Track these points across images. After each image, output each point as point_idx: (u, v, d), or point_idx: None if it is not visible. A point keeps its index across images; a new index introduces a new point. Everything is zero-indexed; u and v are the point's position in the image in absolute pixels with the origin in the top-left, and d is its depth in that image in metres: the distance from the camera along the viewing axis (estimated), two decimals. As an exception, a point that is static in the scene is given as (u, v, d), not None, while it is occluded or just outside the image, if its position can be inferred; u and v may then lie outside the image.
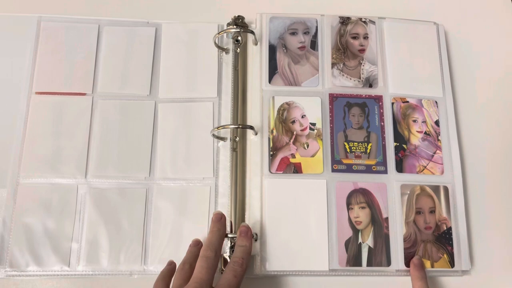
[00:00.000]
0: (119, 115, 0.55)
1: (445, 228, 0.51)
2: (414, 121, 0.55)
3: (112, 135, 0.54)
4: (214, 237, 0.47)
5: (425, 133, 0.54)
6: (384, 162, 0.53)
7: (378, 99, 0.55)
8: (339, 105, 0.55)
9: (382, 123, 0.54)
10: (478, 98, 0.59)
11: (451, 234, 0.51)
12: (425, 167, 0.53)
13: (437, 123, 0.55)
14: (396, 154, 0.54)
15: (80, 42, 0.57)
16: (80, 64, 0.56)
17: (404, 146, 0.54)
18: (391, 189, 0.52)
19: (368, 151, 0.53)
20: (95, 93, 0.55)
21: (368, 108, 0.55)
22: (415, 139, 0.54)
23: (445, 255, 0.51)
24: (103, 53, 0.57)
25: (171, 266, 0.48)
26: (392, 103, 0.55)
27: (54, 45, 0.57)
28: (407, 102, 0.55)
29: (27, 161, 0.52)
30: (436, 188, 0.53)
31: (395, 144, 0.54)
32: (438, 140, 0.54)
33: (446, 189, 0.53)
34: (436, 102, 0.56)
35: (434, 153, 0.54)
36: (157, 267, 0.49)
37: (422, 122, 0.55)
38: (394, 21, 0.59)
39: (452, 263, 0.50)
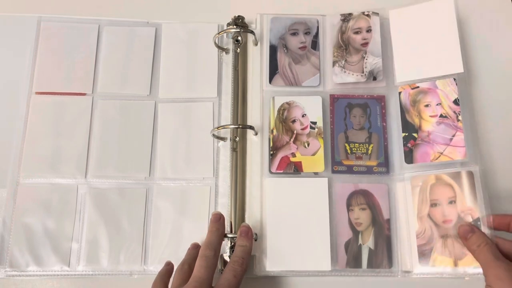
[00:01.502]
0: (119, 115, 0.55)
1: (471, 220, 0.47)
2: (426, 105, 0.51)
3: (112, 135, 0.54)
4: (213, 237, 0.47)
5: (441, 116, 0.51)
6: (385, 163, 0.52)
7: (380, 99, 0.55)
8: (340, 106, 0.54)
9: (384, 124, 0.54)
10: (478, 96, 0.56)
11: (479, 225, 0.46)
12: (442, 153, 0.49)
13: (456, 102, 0.51)
14: (405, 145, 0.51)
15: (80, 42, 0.57)
16: (80, 64, 0.56)
17: (415, 134, 0.51)
18: (393, 189, 0.51)
19: (369, 152, 0.53)
20: (95, 93, 0.56)
21: (369, 109, 0.54)
22: (428, 125, 0.51)
23: None
24: (103, 53, 0.57)
25: (169, 267, 0.48)
26: (399, 93, 0.53)
27: (54, 45, 0.57)
28: (417, 87, 0.53)
29: (27, 161, 0.53)
30: (456, 175, 0.48)
31: (404, 134, 0.51)
32: (458, 120, 0.50)
33: (470, 175, 0.48)
34: (454, 79, 0.52)
35: (453, 135, 0.49)
36: (157, 267, 0.49)
37: (437, 104, 0.51)
38: (401, 7, 0.57)
39: None
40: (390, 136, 0.53)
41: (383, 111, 0.54)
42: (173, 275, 0.46)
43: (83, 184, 0.52)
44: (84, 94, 0.55)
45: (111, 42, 0.57)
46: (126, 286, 0.50)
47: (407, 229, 0.50)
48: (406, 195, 0.50)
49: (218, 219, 0.49)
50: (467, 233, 0.45)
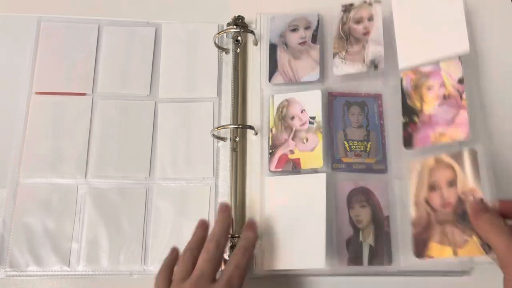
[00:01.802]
0: (119, 115, 0.55)
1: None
2: (429, 88, 0.49)
3: (112, 135, 0.54)
4: (217, 228, 0.45)
5: (444, 97, 0.48)
6: (384, 160, 0.53)
7: (377, 97, 0.55)
8: (338, 104, 0.55)
9: (382, 122, 0.54)
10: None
11: None
12: (444, 134, 0.46)
13: (460, 81, 0.48)
14: (404, 130, 0.49)
15: (80, 42, 0.57)
16: (80, 64, 0.56)
17: (415, 119, 0.49)
18: (392, 186, 0.52)
19: (368, 149, 0.53)
20: (95, 93, 0.56)
21: (367, 107, 0.55)
22: (430, 107, 0.48)
23: (473, 237, 0.41)
24: (103, 53, 0.57)
25: (173, 255, 0.46)
26: (401, 79, 0.52)
27: (54, 45, 0.57)
28: (420, 72, 0.51)
29: (27, 161, 0.52)
30: (457, 155, 0.45)
31: (404, 121, 0.50)
32: (462, 99, 0.47)
33: (473, 153, 0.44)
34: (459, 57, 0.50)
35: (456, 115, 0.46)
36: (157, 267, 0.48)
37: (440, 86, 0.49)
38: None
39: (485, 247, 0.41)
40: (388, 134, 0.54)
41: (380, 109, 0.55)
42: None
43: (83, 184, 0.52)
44: (84, 94, 0.55)
45: (111, 42, 0.57)
46: (126, 286, 0.50)
47: (406, 226, 0.50)
48: (402, 186, 0.50)
49: (224, 209, 0.47)
50: (479, 211, 0.40)
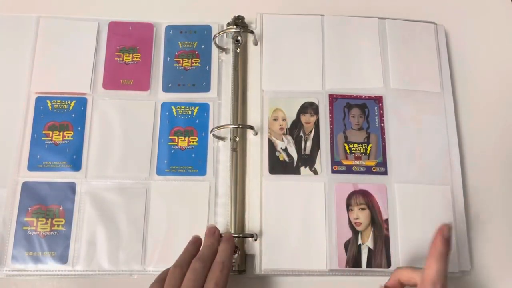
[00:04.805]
0: (119, 115, 0.55)
1: None
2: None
3: (112, 135, 0.54)
4: (206, 250, 0.45)
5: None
6: (384, 163, 0.53)
7: (378, 100, 0.55)
8: (339, 106, 0.55)
9: (382, 124, 0.54)
10: (478, 96, 0.58)
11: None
12: None
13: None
14: None
15: (80, 41, 0.57)
16: (80, 64, 0.56)
17: None
18: (392, 189, 0.52)
19: (368, 152, 0.53)
20: (95, 93, 0.55)
21: (368, 109, 0.54)
22: None
23: None
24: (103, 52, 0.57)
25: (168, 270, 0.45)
26: None
27: (54, 45, 0.57)
28: None
29: (26, 161, 0.52)
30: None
31: None
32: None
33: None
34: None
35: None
36: (156, 267, 0.49)
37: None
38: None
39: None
40: (388, 137, 0.54)
41: (381, 111, 0.54)
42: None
43: (83, 184, 0.52)
44: (84, 94, 0.55)
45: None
46: (126, 286, 0.50)
47: (405, 229, 0.50)
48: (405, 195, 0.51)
49: (213, 233, 0.48)
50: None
